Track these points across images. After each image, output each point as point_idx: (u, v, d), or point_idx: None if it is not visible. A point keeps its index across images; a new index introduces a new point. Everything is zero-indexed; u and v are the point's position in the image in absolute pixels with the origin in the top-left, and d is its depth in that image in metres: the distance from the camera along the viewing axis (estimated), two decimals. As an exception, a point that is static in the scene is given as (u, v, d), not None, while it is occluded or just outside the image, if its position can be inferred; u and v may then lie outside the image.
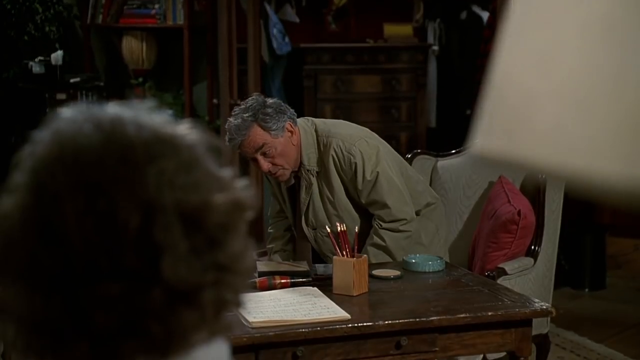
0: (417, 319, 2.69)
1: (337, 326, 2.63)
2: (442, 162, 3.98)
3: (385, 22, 6.72)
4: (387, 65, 6.58)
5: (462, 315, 2.71)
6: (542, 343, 3.67)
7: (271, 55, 6.19)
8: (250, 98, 3.31)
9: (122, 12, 6.19)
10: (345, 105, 6.49)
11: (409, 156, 3.97)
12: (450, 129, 6.53)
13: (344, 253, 2.95)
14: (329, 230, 3.13)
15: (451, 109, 6.69)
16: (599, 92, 0.66)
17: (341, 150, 3.27)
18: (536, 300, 2.88)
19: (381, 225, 3.30)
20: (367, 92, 6.54)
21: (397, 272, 3.13)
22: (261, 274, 3.07)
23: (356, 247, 3.01)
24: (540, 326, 3.53)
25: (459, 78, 6.66)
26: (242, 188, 0.91)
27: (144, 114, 0.89)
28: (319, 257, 3.44)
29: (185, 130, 0.90)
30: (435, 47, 6.76)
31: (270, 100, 3.27)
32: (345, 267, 2.90)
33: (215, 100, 6.13)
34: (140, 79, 6.28)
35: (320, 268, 3.16)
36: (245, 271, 0.90)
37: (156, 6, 6.16)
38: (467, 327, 2.74)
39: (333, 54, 6.47)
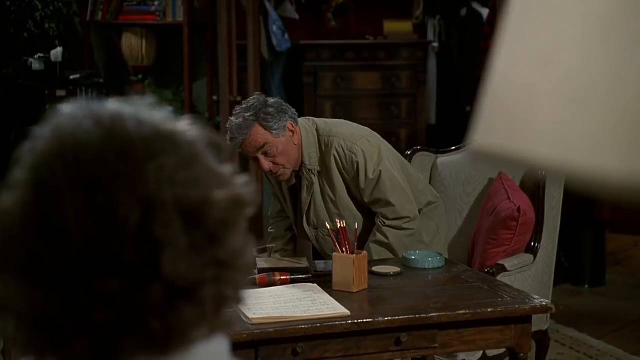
0: (417, 316, 2.69)
1: (337, 322, 2.63)
2: (442, 159, 3.98)
3: (385, 18, 6.72)
4: (387, 62, 6.58)
5: (461, 312, 2.72)
6: (542, 339, 3.67)
7: (271, 52, 6.19)
8: (251, 97, 3.32)
9: (121, 8, 6.18)
10: (345, 102, 6.49)
11: (409, 153, 3.97)
12: (450, 125, 6.53)
13: (344, 249, 2.95)
14: (329, 227, 3.13)
15: (451, 105, 6.70)
16: (598, 89, 0.66)
17: (343, 149, 3.27)
18: (536, 296, 2.88)
19: (384, 223, 3.30)
20: (367, 89, 6.54)
21: (396, 269, 3.13)
22: (261, 271, 3.07)
23: (356, 243, 3.01)
24: (540, 322, 3.53)
25: (458, 75, 6.66)
26: (242, 184, 0.91)
27: (144, 110, 0.89)
28: (320, 256, 3.44)
29: (186, 126, 0.90)
30: (435, 44, 6.76)
31: (271, 100, 3.27)
32: (345, 264, 2.90)
33: (215, 97, 6.13)
34: (140, 76, 6.28)
35: (320, 265, 3.16)
36: (245, 267, 0.90)
37: (156, 3, 6.16)
38: (466, 323, 2.74)
39: (333, 50, 6.47)
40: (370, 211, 3.35)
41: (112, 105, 0.89)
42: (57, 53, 5.78)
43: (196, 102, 6.35)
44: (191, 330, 0.86)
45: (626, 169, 0.63)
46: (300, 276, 3.01)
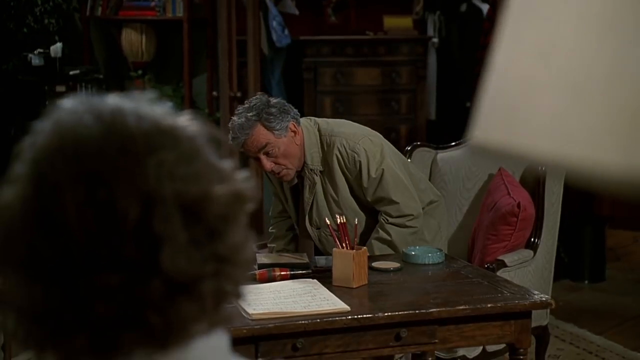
0: (417, 311, 2.69)
1: (337, 318, 2.63)
2: (442, 155, 3.98)
3: (385, 14, 6.72)
4: (387, 57, 6.57)
5: (461, 307, 2.72)
6: (542, 335, 3.67)
7: (271, 48, 6.19)
8: (254, 97, 3.31)
9: (121, 4, 6.18)
10: (345, 97, 6.49)
11: (409, 148, 3.97)
12: (450, 121, 6.53)
13: (344, 245, 2.95)
14: (329, 223, 3.13)
15: (451, 101, 6.69)
16: (597, 82, 0.66)
17: (345, 149, 3.27)
18: (535, 292, 2.89)
19: (387, 220, 3.30)
20: (366, 85, 6.54)
21: (396, 264, 3.13)
22: (261, 266, 3.07)
23: (356, 239, 3.01)
24: (539, 318, 3.54)
25: (458, 70, 6.66)
26: (242, 180, 0.91)
27: (145, 106, 0.89)
28: (322, 255, 3.44)
29: (186, 121, 0.91)
30: (435, 40, 6.76)
31: (274, 100, 3.27)
32: (345, 259, 2.90)
33: (214, 93, 6.13)
34: (140, 72, 6.27)
35: (320, 260, 3.16)
36: (245, 262, 0.90)
37: (156, -2, 6.16)
38: (466, 319, 2.74)
39: (333, 46, 6.47)
40: (373, 211, 3.35)
41: (113, 100, 0.89)
42: (56, 48, 5.77)
43: (196, 98, 6.35)
44: (191, 325, 0.86)
45: (625, 162, 0.63)
46: (300, 272, 3.01)
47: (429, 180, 3.84)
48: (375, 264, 3.10)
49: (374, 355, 3.27)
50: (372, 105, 6.55)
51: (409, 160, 3.87)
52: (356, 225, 3.08)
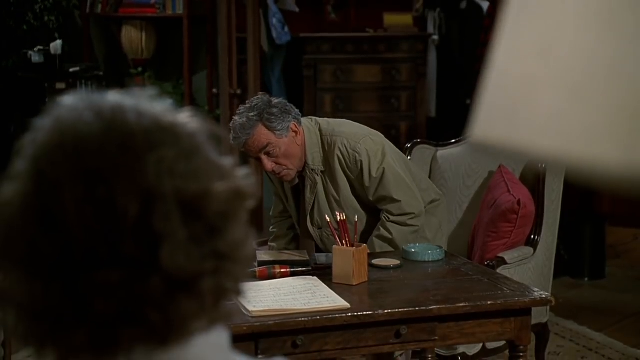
0: (417, 308, 2.69)
1: (337, 315, 2.63)
2: (442, 152, 3.98)
3: (385, 11, 6.72)
4: (387, 54, 6.57)
5: (461, 305, 2.72)
6: (542, 332, 3.68)
7: (271, 45, 6.19)
8: (255, 97, 3.31)
9: (121, 1, 6.18)
10: (345, 95, 6.49)
11: (409, 146, 3.97)
12: (450, 118, 6.53)
13: (344, 242, 2.95)
14: (329, 220, 3.13)
15: (451, 98, 6.69)
16: (597, 80, 0.66)
17: (346, 148, 3.27)
18: (536, 289, 2.89)
19: (389, 218, 3.30)
20: (367, 82, 6.54)
21: (396, 262, 3.13)
22: (261, 263, 3.07)
23: (356, 236, 3.01)
24: (539, 315, 3.54)
25: (459, 67, 6.65)
26: (242, 177, 0.91)
27: (145, 102, 0.89)
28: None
29: (186, 118, 0.90)
30: (436, 37, 6.76)
31: (275, 100, 3.27)
32: (345, 257, 2.90)
33: (214, 90, 6.13)
34: (140, 69, 6.27)
35: (321, 257, 3.16)
36: (245, 260, 0.90)
37: (155, -4, 6.15)
38: (466, 316, 2.74)
39: (333, 43, 6.46)
40: (374, 210, 3.35)
41: (113, 97, 0.89)
42: (56, 46, 5.77)
43: (196, 95, 6.35)
44: (190, 322, 0.86)
45: (625, 159, 0.63)
46: (300, 269, 3.01)
47: (429, 177, 3.84)
48: (375, 261, 3.10)
49: (374, 353, 3.27)
50: (372, 103, 6.55)
51: (409, 158, 3.88)
52: (356, 222, 3.08)
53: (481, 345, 3.41)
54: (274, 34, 6.16)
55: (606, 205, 6.32)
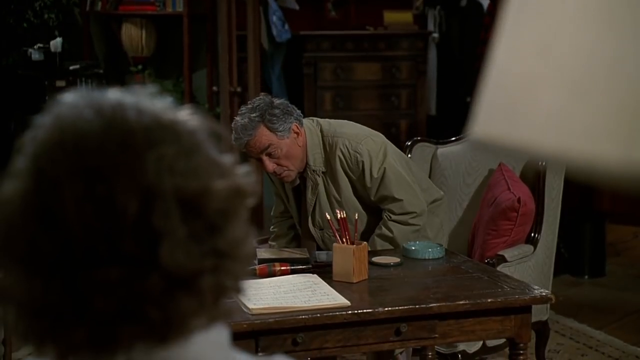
0: (417, 306, 2.69)
1: (337, 313, 2.63)
2: (442, 150, 3.98)
3: (385, 9, 6.72)
4: (387, 52, 6.57)
5: (461, 302, 2.72)
6: (542, 330, 3.68)
7: (271, 43, 6.19)
8: (257, 98, 3.31)
9: (121, -1, 6.18)
10: (345, 92, 6.49)
11: (409, 144, 3.97)
12: (450, 116, 6.53)
13: (344, 240, 2.95)
14: (329, 217, 3.13)
15: (451, 96, 6.69)
16: (598, 77, 0.66)
17: (347, 149, 3.27)
18: (536, 287, 2.89)
19: (390, 217, 3.30)
20: (367, 80, 6.53)
21: (397, 259, 3.13)
22: (261, 261, 3.07)
23: (356, 234, 3.01)
24: (539, 313, 3.54)
25: (459, 65, 6.65)
26: (242, 174, 0.91)
27: (145, 100, 0.89)
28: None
29: (186, 116, 0.90)
30: (436, 35, 6.75)
31: (277, 101, 3.26)
32: (345, 254, 2.90)
33: (214, 88, 6.13)
34: (140, 67, 6.27)
35: (321, 255, 3.16)
36: (245, 257, 0.90)
37: (156, -7, 6.15)
38: (466, 313, 2.74)
39: (333, 41, 6.46)
40: (376, 211, 3.35)
41: (113, 94, 0.89)
42: (56, 43, 5.77)
43: (196, 93, 6.35)
44: (190, 320, 0.86)
45: (625, 157, 0.63)
46: (300, 267, 3.01)
47: (429, 175, 3.84)
48: (375, 259, 3.10)
49: (374, 350, 3.27)
50: (372, 101, 6.55)
51: (409, 155, 3.88)
52: (356, 220, 3.08)
53: (481, 342, 3.41)
54: (274, 32, 6.16)
55: (606, 203, 6.32)
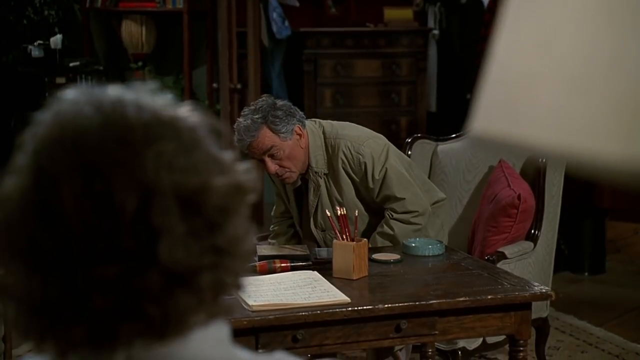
0: (417, 303, 2.69)
1: (337, 310, 2.64)
2: (442, 147, 3.98)
3: (386, 6, 6.71)
4: (387, 49, 6.57)
5: (461, 299, 2.72)
6: (542, 327, 3.68)
7: (271, 40, 6.18)
8: (260, 99, 3.31)
9: (121, -4, 6.18)
10: (345, 89, 6.48)
11: (409, 140, 3.97)
12: (450, 113, 6.53)
13: (344, 237, 2.95)
14: (329, 214, 3.13)
15: (451, 93, 6.69)
16: (598, 73, 0.66)
17: (350, 151, 3.27)
18: (536, 283, 2.89)
19: (392, 216, 3.30)
20: (367, 77, 6.53)
21: (397, 256, 3.13)
22: (261, 258, 3.07)
23: (356, 230, 3.01)
24: (539, 310, 3.54)
25: (459, 62, 6.65)
26: (243, 171, 0.91)
27: (145, 96, 0.89)
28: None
29: (187, 112, 0.90)
30: (436, 31, 6.75)
31: (280, 102, 3.26)
32: (345, 251, 2.90)
33: (215, 85, 6.13)
34: (140, 63, 6.27)
35: (321, 252, 3.16)
36: (245, 254, 0.90)
37: (155, -10, 6.15)
38: (466, 310, 2.74)
39: (333, 38, 6.46)
40: (378, 213, 3.36)
41: (114, 91, 0.89)
42: (56, 40, 5.77)
43: (196, 90, 6.35)
44: (189, 317, 0.86)
45: (625, 153, 0.63)
46: (300, 263, 3.01)
47: (429, 172, 3.84)
48: (375, 256, 3.10)
49: (374, 347, 3.27)
50: (372, 97, 6.54)
51: (409, 153, 3.88)
52: (356, 217, 3.08)
53: (481, 339, 3.41)
54: (274, 29, 6.15)
55: (606, 199, 6.32)
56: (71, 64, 5.81)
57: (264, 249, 3.26)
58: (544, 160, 3.62)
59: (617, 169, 0.63)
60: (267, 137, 3.20)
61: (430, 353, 3.44)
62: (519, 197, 3.45)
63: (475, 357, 3.84)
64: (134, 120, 0.86)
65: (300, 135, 3.25)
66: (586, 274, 5.55)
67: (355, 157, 3.27)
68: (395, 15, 6.70)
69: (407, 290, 2.82)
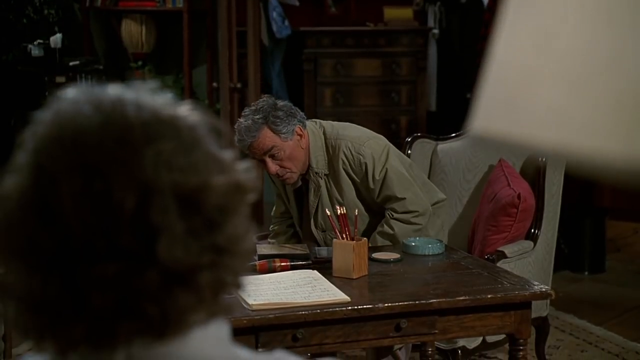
0: (417, 302, 2.69)
1: (337, 309, 2.64)
2: (442, 146, 3.98)
3: (386, 5, 6.71)
4: (387, 48, 6.57)
5: (461, 298, 2.72)
6: (542, 326, 3.68)
7: (271, 39, 6.18)
8: (261, 100, 3.31)
9: (121, -5, 6.17)
10: (345, 89, 6.48)
11: (409, 140, 3.97)
12: (450, 112, 6.53)
13: (344, 236, 2.95)
14: (329, 213, 3.13)
15: (451, 92, 6.69)
16: (598, 72, 0.66)
17: (350, 151, 3.28)
18: (535, 283, 2.89)
19: (392, 215, 3.31)
20: (367, 76, 6.53)
21: (397, 255, 3.13)
22: (261, 257, 3.07)
23: (356, 229, 3.01)
24: (539, 309, 3.54)
25: (459, 61, 6.65)
26: (243, 170, 0.91)
27: (145, 95, 0.89)
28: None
29: (186, 111, 0.90)
30: (436, 31, 6.75)
31: (281, 103, 3.27)
32: (345, 250, 2.90)
33: (214, 84, 6.13)
34: (140, 63, 6.27)
35: (321, 251, 3.16)
36: (244, 253, 0.90)
37: (155, -11, 6.15)
38: (466, 309, 2.74)
39: (333, 37, 6.46)
40: (379, 214, 3.36)
41: (113, 90, 0.89)
42: (56, 39, 5.77)
43: (196, 89, 6.35)
44: (188, 316, 0.86)
45: (625, 152, 0.63)
46: (300, 262, 3.01)
47: (429, 171, 3.85)
48: (375, 255, 3.10)
49: (374, 346, 3.27)
50: (372, 97, 6.54)
51: (409, 152, 3.88)
52: (356, 216, 3.08)
53: (481, 338, 3.41)
54: (274, 28, 6.15)
55: (606, 199, 6.32)
56: (71, 63, 5.81)
57: (264, 248, 3.26)
58: (543, 159, 3.62)
59: (616, 167, 0.63)
60: (267, 137, 3.20)
61: (430, 352, 3.44)
62: (518, 196, 3.45)
63: (475, 356, 3.84)
64: (134, 120, 0.86)
65: (301, 135, 3.25)
66: (586, 273, 5.55)
67: (355, 158, 3.27)
68: (395, 14, 6.70)
69: (407, 290, 2.82)
